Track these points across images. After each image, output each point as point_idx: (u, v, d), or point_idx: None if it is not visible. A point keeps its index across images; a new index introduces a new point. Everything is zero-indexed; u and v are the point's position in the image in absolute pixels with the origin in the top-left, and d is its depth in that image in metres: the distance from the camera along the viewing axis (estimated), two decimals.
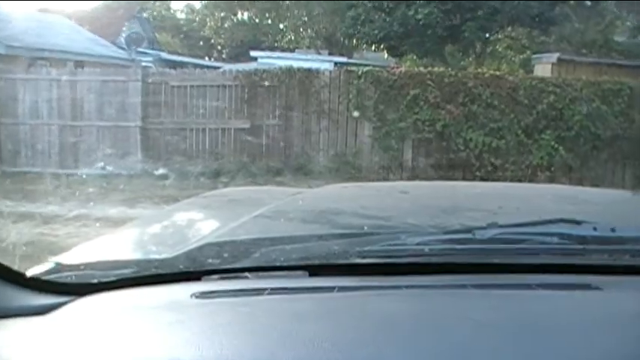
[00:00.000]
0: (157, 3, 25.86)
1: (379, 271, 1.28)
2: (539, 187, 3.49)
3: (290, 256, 1.31)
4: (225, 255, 1.34)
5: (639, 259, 1.34)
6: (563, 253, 1.35)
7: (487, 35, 18.96)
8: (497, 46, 22.84)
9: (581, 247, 1.36)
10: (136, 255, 1.64)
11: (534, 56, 16.06)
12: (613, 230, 1.41)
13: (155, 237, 1.86)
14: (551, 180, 11.90)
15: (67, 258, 1.55)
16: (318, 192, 2.22)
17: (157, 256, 1.43)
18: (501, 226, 1.40)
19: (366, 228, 1.51)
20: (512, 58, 22.86)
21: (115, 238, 1.91)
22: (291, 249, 1.34)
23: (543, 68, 14.56)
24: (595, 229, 1.42)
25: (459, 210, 1.74)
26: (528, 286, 1.23)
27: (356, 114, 12.20)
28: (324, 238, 1.36)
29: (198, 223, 2.04)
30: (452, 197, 2.00)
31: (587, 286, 1.23)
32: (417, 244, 1.32)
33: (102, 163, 12.37)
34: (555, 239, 1.37)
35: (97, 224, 8.60)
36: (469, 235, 1.35)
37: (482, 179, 11.70)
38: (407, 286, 1.23)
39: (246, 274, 1.30)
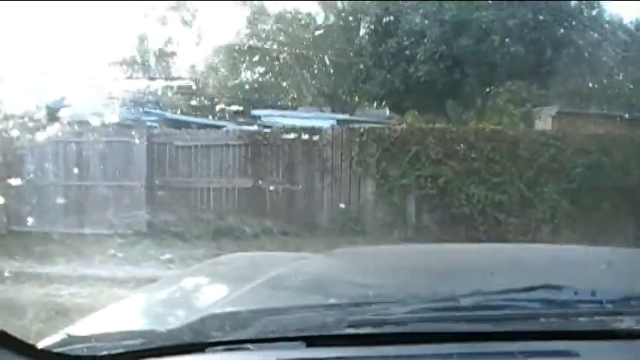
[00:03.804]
0: (162, 64, 26.22)
1: (371, 341, 1.34)
2: (532, 249, 3.54)
3: (288, 327, 1.38)
4: (227, 327, 1.41)
5: (618, 323, 1.39)
6: (546, 320, 1.40)
7: (487, 89, 19.15)
8: (498, 100, 22.98)
9: (562, 312, 1.42)
10: (143, 325, 1.71)
11: (535, 109, 16.22)
12: (593, 294, 1.46)
13: (162, 306, 1.92)
14: (555, 233, 11.92)
15: (77, 329, 1.61)
16: (317, 259, 2.29)
17: (162, 328, 1.49)
18: (485, 294, 1.46)
19: (359, 298, 1.57)
20: (513, 111, 22.97)
21: (123, 306, 1.98)
22: (289, 320, 1.40)
23: (544, 121, 14.70)
24: (576, 293, 1.47)
25: (452, 276, 1.80)
26: (512, 355, 1.28)
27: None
28: (320, 308, 1.42)
29: (203, 291, 2.10)
30: (446, 263, 2.07)
31: (566, 353, 1.28)
32: (406, 313, 1.38)
33: (107, 223, 12.42)
34: (537, 305, 1.43)
35: (103, 285, 8.65)
36: (455, 303, 1.41)
37: (486, 234, 11.73)
38: (395, 357, 1.29)
39: (248, 345, 1.36)
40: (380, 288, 1.66)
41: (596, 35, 19.63)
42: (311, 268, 2.06)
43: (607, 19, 19.53)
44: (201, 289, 2.13)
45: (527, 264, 2.04)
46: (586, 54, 20.02)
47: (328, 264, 2.16)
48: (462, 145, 12.24)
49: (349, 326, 1.35)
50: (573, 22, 18.14)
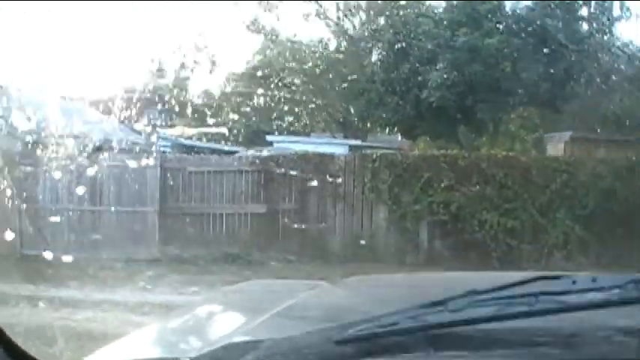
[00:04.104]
0: (176, 90, 26.41)
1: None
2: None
3: (307, 356, 1.40)
4: (249, 356, 1.43)
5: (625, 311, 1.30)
6: (545, 312, 1.31)
7: (499, 115, 19.19)
8: (510, 126, 22.99)
9: (561, 306, 1.31)
10: (164, 353, 1.73)
11: (547, 135, 16.23)
12: (594, 280, 1.35)
13: (182, 334, 1.95)
14: (568, 259, 11.88)
15: (99, 357, 1.65)
16: (335, 288, 2.32)
17: (184, 356, 1.51)
18: (478, 292, 1.38)
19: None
20: (525, 137, 22.98)
21: (144, 334, 2.01)
22: (305, 348, 1.43)
23: (556, 147, 14.69)
24: (574, 282, 1.37)
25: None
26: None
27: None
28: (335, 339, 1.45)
29: (222, 320, 2.13)
30: (459, 292, 2.09)
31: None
32: (394, 322, 1.36)
33: (119, 248, 12.47)
34: (533, 299, 1.32)
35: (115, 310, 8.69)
36: (441, 307, 1.35)
37: (499, 260, 11.71)
38: None
39: None
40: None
41: (607, 60, 19.67)
42: (329, 296, 2.09)
43: (618, 43, 19.55)
44: (220, 318, 2.16)
45: None
46: (598, 79, 20.04)
47: (346, 293, 2.19)
48: (474, 171, 12.26)
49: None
50: (585, 48, 18.18)
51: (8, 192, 12.56)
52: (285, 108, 25.67)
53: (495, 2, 17.64)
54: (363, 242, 12.32)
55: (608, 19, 18.95)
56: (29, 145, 14.35)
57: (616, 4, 18.86)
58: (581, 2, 18.65)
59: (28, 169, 12.93)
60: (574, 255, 11.99)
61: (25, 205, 12.80)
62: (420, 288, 2.26)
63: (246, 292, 2.53)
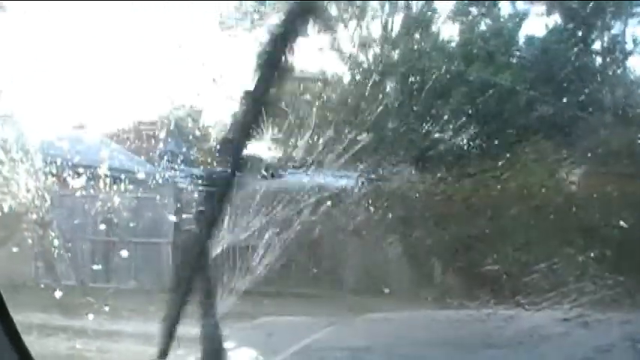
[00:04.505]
0: (191, 120, 26.57)
1: None
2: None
3: None
4: None
5: None
6: None
7: (513, 149, 19.20)
8: (524, 159, 22.95)
9: None
10: None
11: (561, 169, 16.22)
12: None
13: None
14: (583, 294, 11.81)
15: None
16: (350, 326, 2.36)
17: None
18: None
19: None
20: (539, 171, 22.91)
21: None
22: None
23: (571, 181, 14.68)
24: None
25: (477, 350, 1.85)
26: None
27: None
28: None
29: (238, 357, 2.17)
30: (472, 332, 2.12)
31: None
32: None
33: (133, 279, 12.52)
34: None
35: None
36: None
37: (512, 294, 11.65)
38: None
39: None
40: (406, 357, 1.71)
41: (621, 94, 19.71)
42: (345, 335, 2.13)
43: (632, 77, 19.66)
44: (237, 355, 2.20)
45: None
46: (612, 113, 20.06)
47: (360, 331, 2.22)
48: (487, 205, 12.26)
49: None
50: (599, 81, 18.27)
51: (24, 221, 12.69)
52: (298, 140, 25.79)
53: (508, 37, 17.81)
54: (375, 276, 12.31)
55: (622, 53, 19.05)
56: (44, 176, 14.49)
57: (629, 39, 18.98)
58: (593, 37, 18.77)
59: (44, 200, 13.02)
60: (588, 290, 11.91)
61: (39, 235, 12.87)
62: (432, 325, 2.28)
63: (263, 328, 2.57)
